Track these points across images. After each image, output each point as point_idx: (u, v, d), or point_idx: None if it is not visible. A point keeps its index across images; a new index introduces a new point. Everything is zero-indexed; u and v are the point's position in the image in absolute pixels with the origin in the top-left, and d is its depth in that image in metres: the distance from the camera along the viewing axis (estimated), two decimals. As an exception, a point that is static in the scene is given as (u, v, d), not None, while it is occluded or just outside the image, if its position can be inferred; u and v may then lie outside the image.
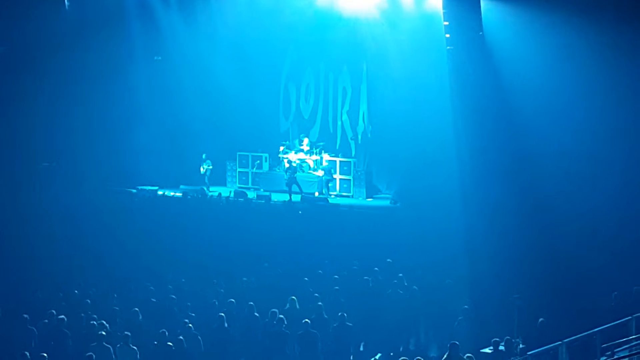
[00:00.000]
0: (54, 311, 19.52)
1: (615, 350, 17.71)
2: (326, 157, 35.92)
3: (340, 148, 36.97)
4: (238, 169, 37.55)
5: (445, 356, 17.38)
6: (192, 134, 37.19)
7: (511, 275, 23.33)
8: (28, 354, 17.23)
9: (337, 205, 32.58)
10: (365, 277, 22.51)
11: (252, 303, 20.18)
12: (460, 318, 19.85)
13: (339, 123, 37.31)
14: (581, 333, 18.08)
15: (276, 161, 36.89)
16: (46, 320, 19.36)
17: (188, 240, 27.63)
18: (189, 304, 20.76)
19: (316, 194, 34.87)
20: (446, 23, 31.39)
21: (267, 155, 37.06)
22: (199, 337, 18.72)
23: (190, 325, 18.89)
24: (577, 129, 27.88)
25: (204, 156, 36.37)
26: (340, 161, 35.94)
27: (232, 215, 30.90)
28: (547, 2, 28.28)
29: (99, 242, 26.82)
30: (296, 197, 33.74)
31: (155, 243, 27.10)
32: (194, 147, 36.98)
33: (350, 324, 19.39)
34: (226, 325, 19.12)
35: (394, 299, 21.31)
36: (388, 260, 24.48)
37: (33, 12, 33.50)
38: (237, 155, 37.50)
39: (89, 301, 20.84)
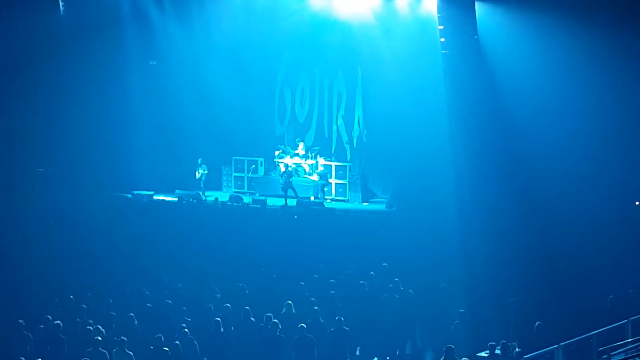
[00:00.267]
0: (49, 316, 19.49)
1: (611, 353, 17.69)
2: (322, 161, 35.94)
3: (335, 152, 36.97)
4: (234, 174, 37.56)
5: (441, 360, 17.39)
6: (187, 138, 37.19)
7: (507, 278, 23.34)
8: (24, 360, 17.22)
9: (332, 210, 32.57)
10: (362, 282, 22.51)
11: (248, 308, 20.16)
12: (456, 322, 19.84)
13: (335, 127, 37.33)
14: (577, 336, 18.09)
15: (272, 166, 36.89)
16: (42, 326, 19.31)
17: (184, 245, 27.59)
18: (184, 308, 20.72)
19: (312, 198, 34.86)
20: (441, 27, 31.45)
21: (262, 159, 37.06)
22: (195, 342, 18.68)
23: (186, 330, 18.86)
24: (573, 131, 27.93)
25: (199, 161, 36.36)
26: (335, 165, 35.96)
27: (227, 219, 30.86)
28: (542, 6, 28.34)
29: (95, 247, 26.77)
30: (292, 202, 33.74)
31: (151, 248, 27.06)
32: (189, 151, 36.98)
33: (347, 328, 19.36)
34: (222, 330, 19.08)
35: (390, 303, 21.29)
36: (384, 264, 24.48)
37: (28, 16, 33.47)
38: (233, 160, 37.51)
39: (84, 306, 20.81)
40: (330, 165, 35.93)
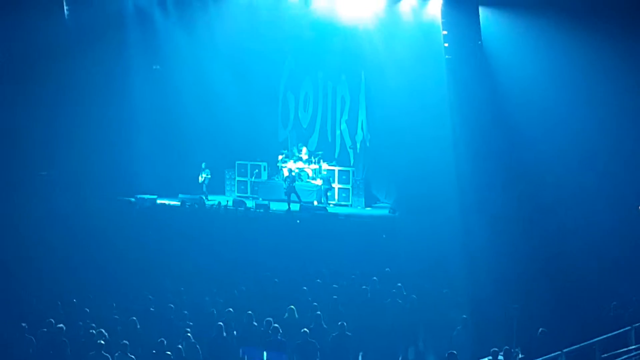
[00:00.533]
0: (52, 320, 19.48)
1: (614, 360, 17.72)
2: (325, 166, 35.95)
3: (339, 157, 36.98)
4: (237, 178, 37.60)
5: (443, 365, 17.38)
6: (190, 142, 37.24)
7: (510, 284, 23.31)
8: (26, 363, 17.23)
9: (335, 214, 32.58)
10: (364, 287, 22.48)
11: (250, 312, 20.14)
12: (458, 327, 19.82)
13: (338, 132, 37.36)
14: (581, 343, 18.06)
15: (275, 170, 36.91)
16: (45, 329, 19.31)
17: (187, 249, 27.57)
18: (185, 312, 20.71)
19: (315, 203, 34.87)
20: (445, 32, 31.45)
21: (265, 164, 37.11)
22: (198, 347, 18.67)
23: (189, 334, 18.86)
24: (576, 137, 27.94)
25: (203, 165, 36.38)
26: (338, 170, 35.97)
27: (230, 224, 30.85)
28: (546, 12, 28.35)
29: (98, 251, 26.77)
30: (295, 206, 33.74)
31: (153, 252, 27.06)
32: (192, 155, 37.00)
33: (349, 334, 19.33)
34: (224, 334, 19.07)
35: (392, 308, 21.28)
36: (387, 269, 24.46)
37: (32, 21, 33.49)
38: (236, 164, 37.54)
39: (87, 310, 20.80)
40: (334, 170, 35.93)
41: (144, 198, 34.89)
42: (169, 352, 17.93)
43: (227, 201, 34.06)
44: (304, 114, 38.08)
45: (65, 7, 35.37)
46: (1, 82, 34.65)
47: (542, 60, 29.03)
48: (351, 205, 35.47)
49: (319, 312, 19.98)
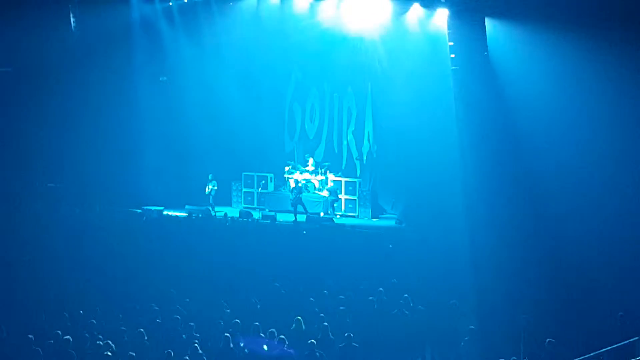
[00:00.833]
0: (59, 332, 19.50)
1: (621, 370, 17.68)
2: (331, 177, 35.98)
3: (345, 168, 36.99)
4: (243, 189, 37.64)
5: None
6: (197, 154, 37.29)
7: (518, 295, 23.27)
8: (33, 375, 17.23)
9: (342, 225, 32.57)
10: (371, 298, 22.46)
11: (257, 323, 20.14)
12: (466, 338, 19.79)
13: (344, 143, 37.38)
14: (588, 353, 18.03)
15: (281, 181, 36.93)
16: (52, 341, 19.32)
17: (193, 260, 27.58)
18: (192, 324, 20.70)
19: (321, 214, 34.87)
20: (451, 43, 31.48)
21: (272, 175, 37.13)
22: (205, 358, 18.66)
23: (196, 345, 18.85)
24: (583, 147, 27.88)
25: (209, 176, 36.41)
26: (345, 181, 35.97)
27: (237, 235, 30.85)
28: (552, 23, 28.32)
29: (105, 262, 26.78)
30: (301, 217, 33.74)
31: (160, 263, 27.06)
32: (199, 167, 37.04)
33: (356, 345, 19.32)
34: (231, 345, 19.06)
35: (399, 319, 21.25)
36: (393, 280, 24.44)
37: (40, 33, 33.64)
38: (243, 176, 37.59)
39: (94, 321, 20.81)
40: (340, 181, 35.95)
41: (150, 209, 34.91)
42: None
43: (226, 214, 33.94)
44: (310, 125, 38.12)
45: (72, 19, 35.49)
46: (9, 93, 34.79)
47: (549, 71, 28.99)
48: (358, 216, 35.46)
49: (326, 323, 19.97)
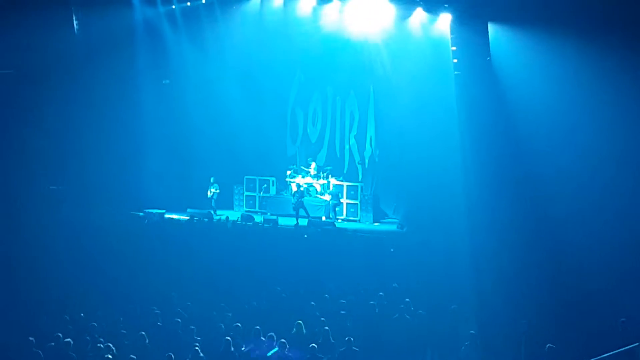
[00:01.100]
0: (60, 334, 19.51)
1: (622, 376, 17.65)
2: (333, 181, 35.95)
3: (347, 172, 36.99)
4: (245, 193, 37.61)
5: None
6: (199, 157, 37.27)
7: (518, 300, 23.27)
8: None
9: (344, 230, 32.56)
10: (371, 302, 22.46)
11: (258, 327, 20.15)
12: (466, 343, 19.80)
13: (347, 147, 37.38)
14: (589, 359, 18.01)
15: (283, 185, 36.92)
16: (52, 344, 19.34)
17: (195, 263, 27.60)
18: (193, 327, 20.71)
19: (323, 218, 34.86)
20: (454, 48, 31.50)
21: (274, 179, 37.11)
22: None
23: (197, 348, 18.86)
24: (585, 152, 27.88)
25: (211, 180, 36.40)
26: (347, 185, 35.96)
27: (239, 239, 30.86)
28: (555, 28, 28.33)
29: (106, 265, 26.80)
30: (303, 221, 33.74)
31: (162, 266, 27.09)
32: (201, 170, 37.01)
33: (357, 349, 19.32)
34: (232, 349, 19.07)
35: (400, 323, 21.25)
36: (394, 284, 24.44)
37: (42, 35, 33.63)
38: (245, 179, 37.56)
39: (95, 324, 20.82)
40: (342, 185, 35.94)
41: (152, 212, 34.91)
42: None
43: (227, 217, 33.96)
44: (312, 129, 38.12)
45: (74, 22, 35.48)
46: (11, 95, 34.79)
47: (551, 76, 28.99)
48: (359, 220, 35.44)
49: (326, 327, 19.99)
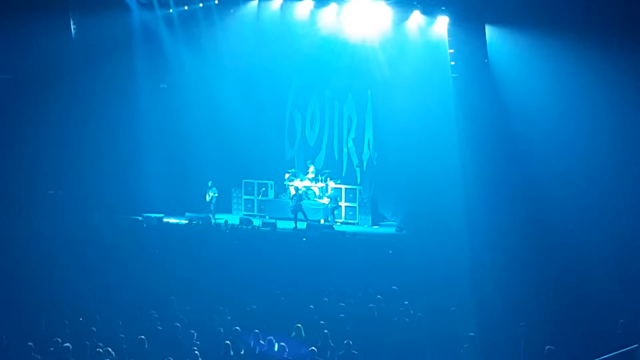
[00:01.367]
0: (59, 339, 19.48)
1: (622, 378, 17.63)
2: (332, 184, 35.96)
3: (345, 175, 36.99)
4: (244, 197, 37.61)
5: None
6: (197, 161, 37.29)
7: (517, 302, 23.25)
8: (33, 382, 17.21)
9: (342, 233, 32.55)
10: (371, 305, 22.45)
11: (257, 330, 20.12)
12: (466, 345, 19.77)
13: (345, 150, 37.39)
14: (588, 361, 18.03)
15: (282, 188, 36.93)
16: (51, 348, 19.30)
17: (193, 267, 27.56)
18: (192, 331, 20.67)
19: (322, 221, 34.86)
20: (451, 51, 31.56)
21: (272, 182, 37.12)
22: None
23: (196, 352, 18.83)
24: (584, 155, 27.92)
25: (210, 183, 36.40)
26: (345, 188, 35.96)
27: (237, 242, 30.83)
28: (552, 30, 28.37)
29: (105, 270, 26.76)
30: (302, 225, 33.74)
31: (160, 270, 27.05)
32: (199, 174, 37.03)
33: (356, 352, 19.30)
34: (232, 353, 19.04)
35: (399, 326, 21.23)
36: (393, 287, 24.42)
37: (40, 40, 33.64)
38: (243, 183, 37.57)
39: (94, 329, 20.79)
40: (340, 189, 35.94)
41: (151, 216, 34.90)
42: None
43: (226, 221, 33.95)
44: (310, 133, 38.14)
45: (72, 26, 35.48)
46: (9, 101, 34.79)
47: (549, 78, 29.04)
48: (358, 223, 35.46)
49: (326, 331, 19.96)
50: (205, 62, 37.05)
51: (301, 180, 36.19)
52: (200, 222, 33.76)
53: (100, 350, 18.88)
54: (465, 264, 26.64)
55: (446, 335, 21.25)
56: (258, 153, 37.67)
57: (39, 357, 18.98)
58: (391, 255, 29.05)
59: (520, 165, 29.45)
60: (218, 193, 36.50)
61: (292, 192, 35.43)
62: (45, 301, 23.67)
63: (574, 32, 27.67)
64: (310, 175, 36.17)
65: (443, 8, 31.67)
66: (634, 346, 18.69)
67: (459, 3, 30.86)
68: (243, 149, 37.35)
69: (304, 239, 31.34)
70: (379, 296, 23.22)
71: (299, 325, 20.41)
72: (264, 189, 37.04)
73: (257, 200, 37.25)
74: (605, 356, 18.01)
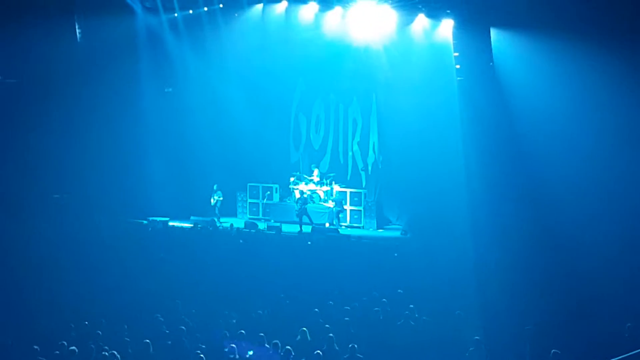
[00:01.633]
0: (64, 342, 19.46)
1: (628, 382, 17.56)
2: (337, 188, 35.95)
3: (350, 179, 36.97)
4: (249, 200, 37.63)
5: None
6: (202, 165, 37.32)
7: (523, 305, 23.20)
8: (38, 386, 17.20)
9: (347, 236, 32.53)
10: (376, 308, 22.42)
11: (262, 334, 20.10)
12: (471, 349, 19.73)
13: (350, 154, 37.39)
14: (594, 364, 17.97)
15: (287, 192, 36.92)
16: (57, 352, 19.29)
17: (198, 270, 27.56)
18: (198, 335, 20.67)
19: (327, 225, 34.85)
20: (456, 54, 31.57)
21: (277, 186, 37.14)
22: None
23: (201, 356, 18.81)
24: (590, 156, 27.86)
25: (214, 187, 36.41)
26: (350, 192, 35.94)
27: (242, 246, 30.83)
28: (557, 32, 28.33)
29: (110, 273, 26.75)
30: (307, 228, 33.72)
31: (165, 273, 27.05)
32: (204, 178, 37.06)
33: (361, 356, 19.26)
34: (237, 357, 19.02)
35: (405, 330, 21.20)
36: (399, 290, 24.39)
37: (45, 44, 33.67)
38: (248, 186, 37.59)
39: (99, 332, 20.78)
40: (346, 192, 35.92)
41: (156, 220, 34.92)
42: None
43: (232, 224, 33.93)
44: (315, 136, 38.13)
45: (77, 30, 35.52)
46: (14, 105, 34.81)
47: (554, 81, 29.01)
48: (363, 227, 35.43)
49: (331, 334, 19.92)
50: (210, 65, 37.08)
51: (306, 183, 36.20)
52: (210, 228, 33.70)
53: (106, 353, 18.85)
54: (470, 267, 26.60)
55: (451, 339, 21.20)
56: (263, 156, 37.69)
57: (44, 360, 19.00)
58: (396, 259, 29.03)
59: (525, 167, 29.41)
60: (223, 197, 36.51)
61: (297, 195, 35.45)
62: (50, 305, 23.67)
63: (579, 35, 27.62)
64: (315, 179, 36.18)
65: (448, 11, 31.67)
66: (641, 349, 18.66)
67: (463, 6, 30.86)
68: (248, 153, 37.37)
69: (309, 243, 31.33)
70: (384, 299, 23.19)
71: (304, 328, 20.38)
72: (268, 192, 37.04)
73: (262, 203, 37.25)
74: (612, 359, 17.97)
